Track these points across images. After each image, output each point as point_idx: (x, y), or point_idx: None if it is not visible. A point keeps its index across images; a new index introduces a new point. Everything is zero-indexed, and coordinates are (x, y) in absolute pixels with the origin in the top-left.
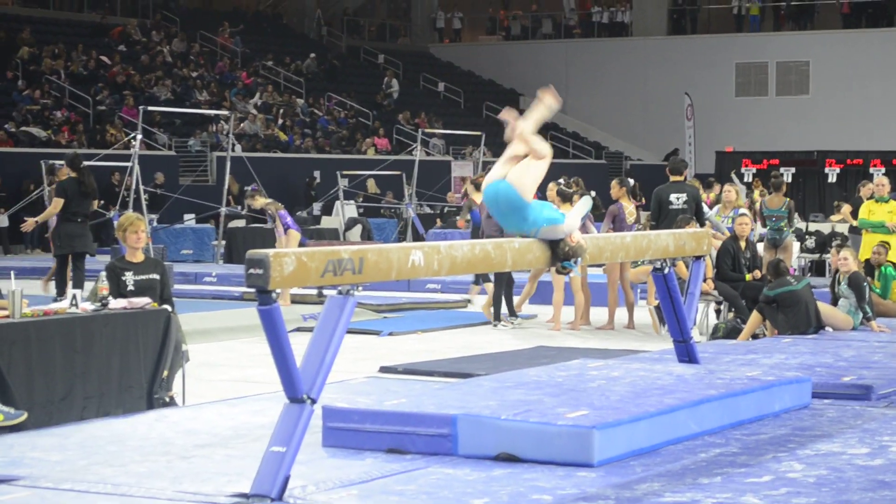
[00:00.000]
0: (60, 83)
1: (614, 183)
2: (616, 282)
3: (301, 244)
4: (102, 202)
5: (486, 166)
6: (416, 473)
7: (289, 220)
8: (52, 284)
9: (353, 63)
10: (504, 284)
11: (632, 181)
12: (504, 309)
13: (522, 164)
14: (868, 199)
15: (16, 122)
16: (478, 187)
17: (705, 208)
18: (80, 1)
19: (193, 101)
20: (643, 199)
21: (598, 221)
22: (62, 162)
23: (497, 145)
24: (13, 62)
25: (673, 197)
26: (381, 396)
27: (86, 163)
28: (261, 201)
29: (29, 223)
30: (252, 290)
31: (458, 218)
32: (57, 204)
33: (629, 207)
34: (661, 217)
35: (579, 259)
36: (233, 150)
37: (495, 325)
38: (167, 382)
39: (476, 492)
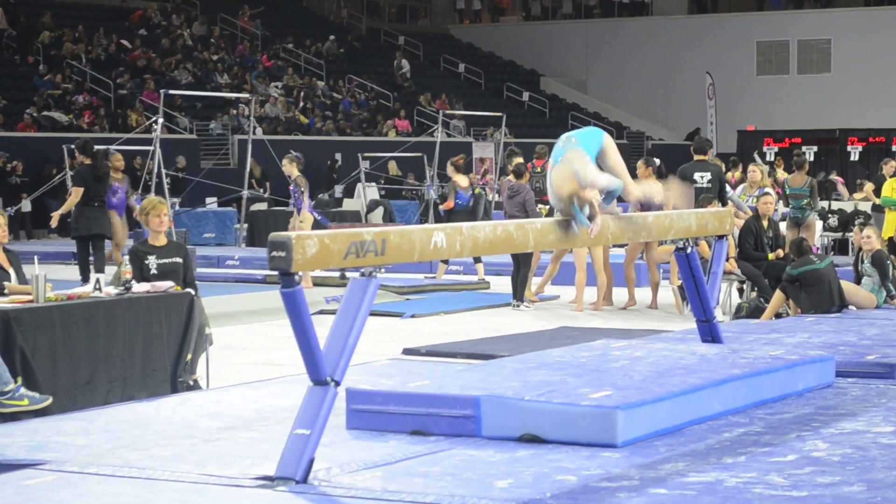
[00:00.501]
0: (81, 67)
1: (640, 163)
2: (633, 260)
3: (323, 227)
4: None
5: (507, 147)
6: (439, 455)
7: (306, 201)
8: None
9: (373, 45)
10: (527, 265)
11: (657, 161)
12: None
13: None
14: (891, 176)
15: (37, 106)
16: (458, 169)
17: (728, 188)
18: None
19: (214, 84)
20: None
21: (623, 202)
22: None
23: (517, 126)
24: (34, 47)
25: (697, 175)
26: (405, 378)
27: (108, 147)
28: (296, 171)
29: (55, 218)
30: (275, 272)
31: (440, 200)
32: (77, 193)
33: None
34: None
35: (584, 213)
36: (254, 134)
37: (516, 306)
38: (191, 366)
39: (500, 473)
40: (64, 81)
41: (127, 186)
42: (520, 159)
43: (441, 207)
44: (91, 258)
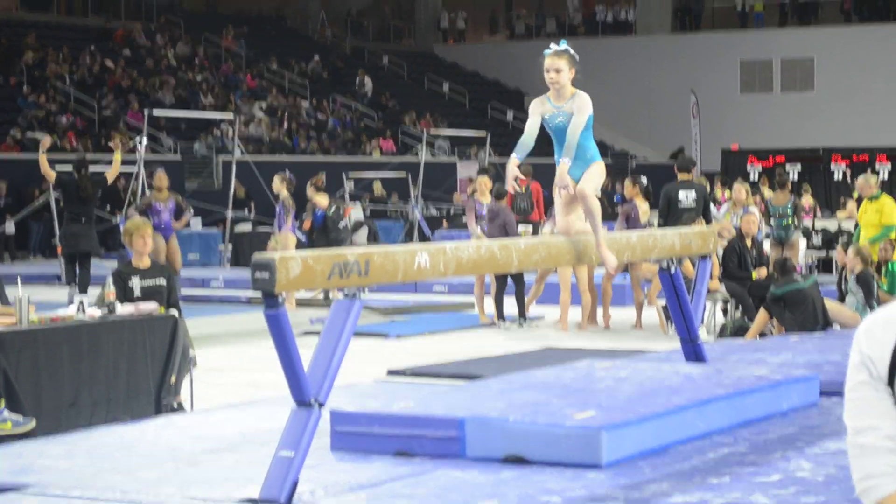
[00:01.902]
0: (65, 88)
1: (627, 182)
2: (611, 277)
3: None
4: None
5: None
6: (424, 476)
7: (289, 223)
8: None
9: (357, 65)
10: (505, 283)
11: (645, 180)
12: (515, 310)
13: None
14: (870, 199)
15: (21, 127)
16: (318, 189)
17: (712, 208)
18: (84, 5)
19: (198, 104)
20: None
21: (608, 221)
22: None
23: (502, 145)
24: (18, 67)
25: (682, 195)
26: (389, 399)
27: (91, 168)
28: (285, 192)
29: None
30: (258, 293)
31: (304, 218)
32: (49, 177)
33: (643, 206)
34: (670, 215)
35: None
36: (238, 154)
37: (498, 325)
38: (175, 388)
39: (485, 494)
40: (48, 102)
41: (173, 205)
42: (485, 178)
43: (300, 229)
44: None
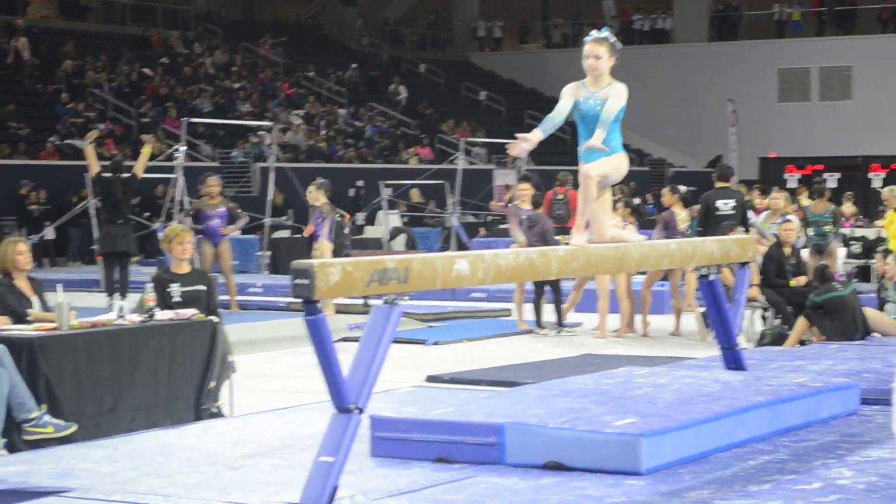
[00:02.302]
0: (104, 96)
1: (666, 190)
2: (650, 285)
3: (345, 255)
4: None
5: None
6: (464, 483)
7: (326, 229)
8: None
9: (394, 73)
10: (542, 290)
11: (683, 188)
12: (553, 317)
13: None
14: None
15: (60, 135)
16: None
17: (751, 215)
18: (122, 14)
19: (236, 112)
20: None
21: (644, 229)
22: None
23: (538, 153)
24: (57, 76)
25: (720, 203)
26: (428, 406)
27: (129, 174)
28: (322, 200)
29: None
30: (298, 300)
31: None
32: (92, 165)
33: (681, 214)
34: (708, 223)
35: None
36: (276, 161)
37: (538, 332)
38: (214, 393)
39: (524, 501)
40: (86, 110)
41: (223, 212)
42: (526, 185)
43: (304, 234)
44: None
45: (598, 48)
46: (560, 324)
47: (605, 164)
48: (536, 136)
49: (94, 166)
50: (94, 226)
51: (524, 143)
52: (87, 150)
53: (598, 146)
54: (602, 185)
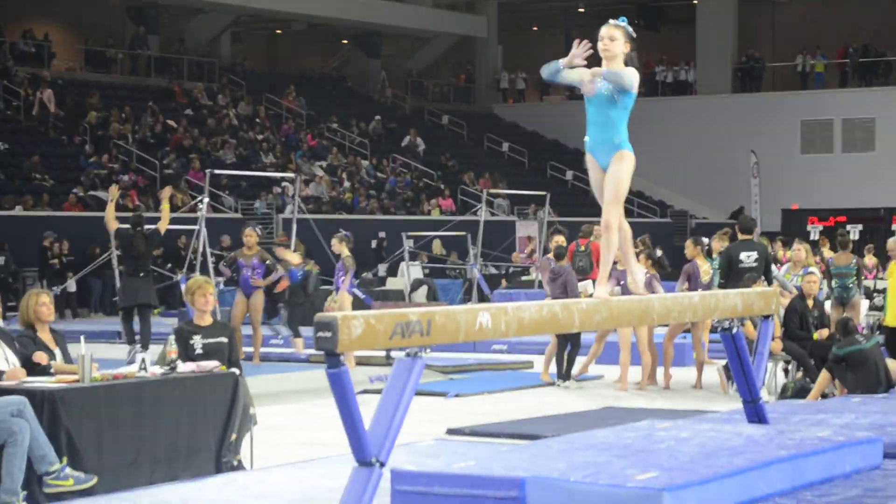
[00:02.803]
0: (128, 147)
1: (689, 242)
2: (673, 337)
3: (367, 306)
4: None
5: (552, 225)
6: None
7: (347, 282)
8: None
9: (417, 124)
10: (566, 342)
11: (706, 240)
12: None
13: None
14: None
15: (84, 186)
16: (286, 247)
17: (774, 267)
18: (147, 66)
19: (259, 163)
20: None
21: (665, 280)
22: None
23: (561, 205)
24: (81, 127)
25: (743, 255)
26: (450, 459)
27: (153, 226)
28: (345, 251)
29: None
30: (320, 352)
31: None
32: (111, 223)
33: (704, 266)
34: (731, 275)
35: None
36: (298, 213)
37: (559, 385)
38: (235, 446)
39: None
40: (110, 161)
41: (256, 263)
42: (561, 237)
43: (277, 290)
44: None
45: (613, 31)
46: (574, 377)
47: (620, 191)
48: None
49: (112, 224)
50: (117, 277)
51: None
52: (108, 209)
53: (599, 73)
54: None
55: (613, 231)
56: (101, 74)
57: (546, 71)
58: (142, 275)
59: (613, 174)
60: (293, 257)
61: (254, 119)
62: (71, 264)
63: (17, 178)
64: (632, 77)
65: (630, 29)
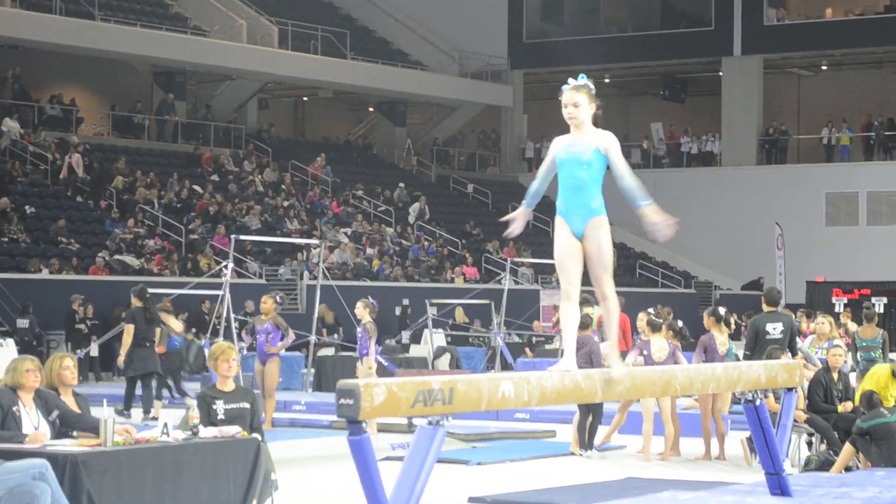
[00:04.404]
0: (153, 212)
1: (706, 314)
2: (708, 412)
3: (390, 373)
4: (193, 330)
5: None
6: None
7: (372, 347)
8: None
9: (442, 192)
10: (588, 412)
11: (722, 310)
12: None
13: None
14: None
15: (109, 250)
16: (169, 313)
17: (798, 340)
18: (174, 132)
19: (284, 230)
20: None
21: (686, 352)
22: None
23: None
24: (107, 192)
25: (769, 327)
26: None
27: (178, 291)
28: (367, 317)
29: (120, 359)
30: (342, 419)
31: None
32: (129, 330)
33: (720, 338)
34: (757, 347)
35: None
36: (323, 279)
37: (581, 455)
38: None
39: None
40: (136, 226)
41: (270, 329)
42: (590, 309)
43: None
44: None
45: (576, 96)
46: (597, 447)
47: (605, 262)
48: (522, 212)
49: (129, 333)
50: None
51: (513, 225)
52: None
53: (665, 219)
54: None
55: (611, 300)
56: (129, 140)
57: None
58: (148, 345)
59: (597, 243)
60: (175, 324)
61: (279, 185)
62: (95, 328)
63: (43, 241)
64: (622, 160)
65: (591, 86)
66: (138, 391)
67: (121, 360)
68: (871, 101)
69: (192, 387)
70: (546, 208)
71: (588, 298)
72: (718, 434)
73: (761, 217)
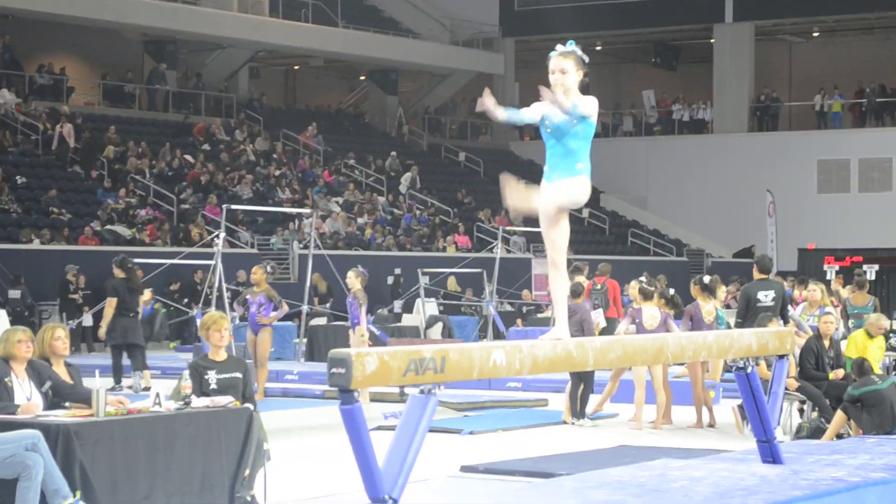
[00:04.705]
0: (145, 182)
1: (692, 283)
2: (698, 379)
3: (382, 342)
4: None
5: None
6: None
7: (363, 316)
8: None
9: (434, 161)
10: (580, 380)
11: (707, 278)
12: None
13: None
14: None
15: (101, 220)
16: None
17: (789, 308)
18: (165, 101)
19: (276, 199)
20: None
21: (678, 319)
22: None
23: (577, 243)
24: (98, 161)
25: (761, 294)
26: (463, 496)
27: (169, 261)
28: (357, 285)
29: (101, 331)
30: (334, 388)
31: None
32: (112, 303)
33: (706, 307)
34: (749, 314)
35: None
36: (315, 248)
37: (573, 423)
38: (248, 481)
39: None
40: (127, 196)
41: (262, 300)
42: (582, 277)
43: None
44: (129, 364)
45: (563, 62)
46: (589, 415)
47: (570, 191)
48: (500, 111)
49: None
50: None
51: (488, 101)
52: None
53: (557, 99)
54: (559, 211)
55: (563, 214)
56: (120, 109)
57: (503, 114)
58: (131, 315)
59: (570, 180)
60: (146, 293)
61: (271, 155)
62: (87, 298)
63: (34, 211)
64: (590, 109)
65: (580, 53)
66: (126, 361)
67: (102, 331)
68: (863, 68)
69: (159, 355)
70: (537, 178)
71: (579, 266)
72: (706, 400)
73: (753, 184)
